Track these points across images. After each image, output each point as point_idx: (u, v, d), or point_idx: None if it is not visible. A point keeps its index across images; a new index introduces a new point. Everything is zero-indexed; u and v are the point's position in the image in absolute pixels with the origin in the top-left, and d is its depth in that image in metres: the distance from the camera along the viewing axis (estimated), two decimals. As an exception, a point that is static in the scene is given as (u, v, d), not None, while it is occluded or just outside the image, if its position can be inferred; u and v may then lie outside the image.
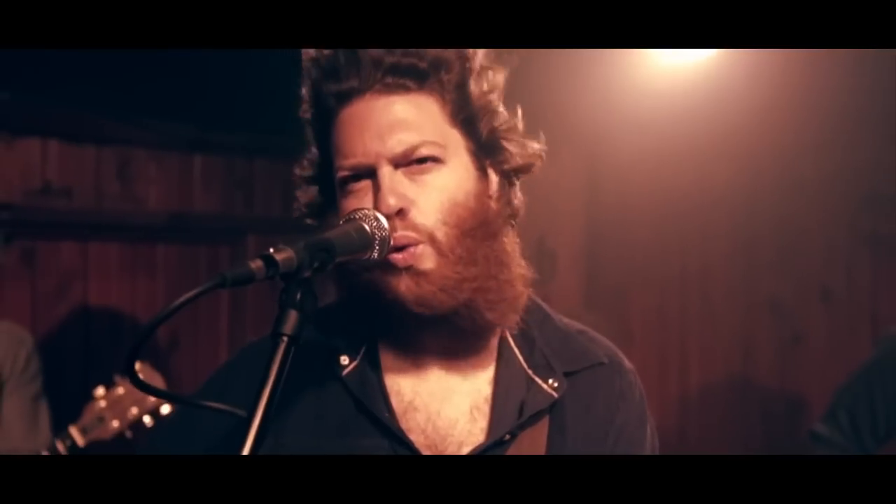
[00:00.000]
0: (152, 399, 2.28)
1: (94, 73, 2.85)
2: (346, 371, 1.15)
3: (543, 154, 1.19)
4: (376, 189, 1.08)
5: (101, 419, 2.29)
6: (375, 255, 1.06)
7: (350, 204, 1.11)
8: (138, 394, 2.28)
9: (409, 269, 1.08)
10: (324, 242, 0.99)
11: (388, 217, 1.07)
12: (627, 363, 1.27)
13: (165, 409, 2.31)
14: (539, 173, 1.22)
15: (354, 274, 1.10)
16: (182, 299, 0.88)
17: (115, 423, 2.28)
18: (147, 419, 2.30)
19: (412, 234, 1.08)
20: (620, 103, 3.35)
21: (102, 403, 2.29)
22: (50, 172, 3.24)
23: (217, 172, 3.70)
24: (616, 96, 3.29)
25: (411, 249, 1.08)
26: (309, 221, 1.21)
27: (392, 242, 1.07)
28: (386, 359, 1.17)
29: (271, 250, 0.92)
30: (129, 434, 2.30)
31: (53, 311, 3.21)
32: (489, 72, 1.16)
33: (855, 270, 3.31)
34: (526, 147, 1.18)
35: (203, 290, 0.88)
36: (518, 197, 1.22)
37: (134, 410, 2.29)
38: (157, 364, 2.43)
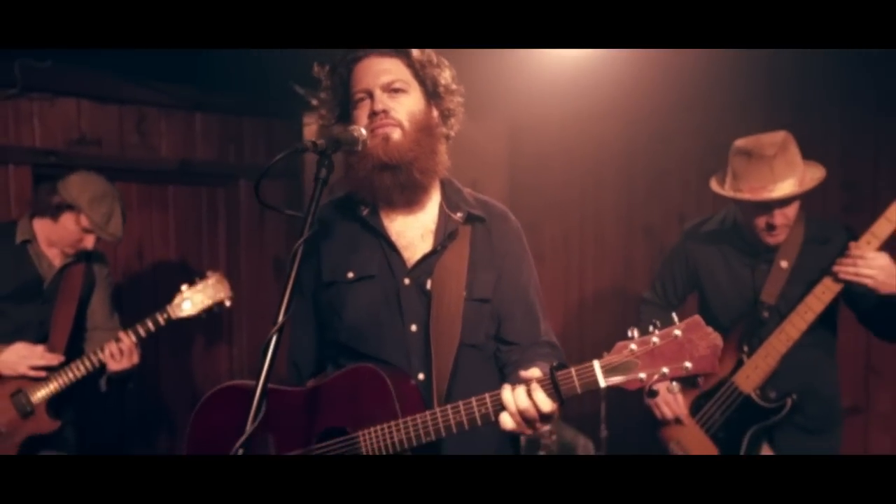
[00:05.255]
0: (220, 294, 3.01)
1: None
2: (364, 213, 1.91)
3: (463, 104, 1.95)
4: (372, 102, 1.83)
5: (186, 303, 3.00)
6: (359, 147, 1.77)
7: (359, 113, 1.84)
8: (210, 289, 3.00)
9: (385, 137, 1.81)
10: (336, 136, 1.71)
11: (377, 114, 1.80)
12: (514, 217, 1.98)
13: (228, 302, 3.03)
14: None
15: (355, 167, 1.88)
16: (278, 157, 1.54)
17: (194, 309, 3.00)
18: (215, 308, 3.02)
19: (391, 122, 1.82)
20: (533, 79, 3.88)
21: (187, 294, 3.00)
22: (84, 126, 3.76)
23: (214, 128, 4.21)
24: (530, 74, 3.79)
25: (390, 127, 1.81)
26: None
27: (380, 124, 1.82)
28: (381, 209, 1.92)
29: (314, 139, 1.69)
30: (203, 316, 3.02)
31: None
32: (435, 62, 1.90)
33: (702, 200, 3.91)
34: (454, 99, 1.96)
35: (286, 153, 1.56)
36: (451, 126, 1.93)
37: (208, 301, 3.01)
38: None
